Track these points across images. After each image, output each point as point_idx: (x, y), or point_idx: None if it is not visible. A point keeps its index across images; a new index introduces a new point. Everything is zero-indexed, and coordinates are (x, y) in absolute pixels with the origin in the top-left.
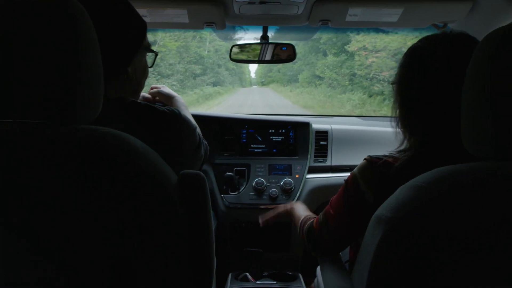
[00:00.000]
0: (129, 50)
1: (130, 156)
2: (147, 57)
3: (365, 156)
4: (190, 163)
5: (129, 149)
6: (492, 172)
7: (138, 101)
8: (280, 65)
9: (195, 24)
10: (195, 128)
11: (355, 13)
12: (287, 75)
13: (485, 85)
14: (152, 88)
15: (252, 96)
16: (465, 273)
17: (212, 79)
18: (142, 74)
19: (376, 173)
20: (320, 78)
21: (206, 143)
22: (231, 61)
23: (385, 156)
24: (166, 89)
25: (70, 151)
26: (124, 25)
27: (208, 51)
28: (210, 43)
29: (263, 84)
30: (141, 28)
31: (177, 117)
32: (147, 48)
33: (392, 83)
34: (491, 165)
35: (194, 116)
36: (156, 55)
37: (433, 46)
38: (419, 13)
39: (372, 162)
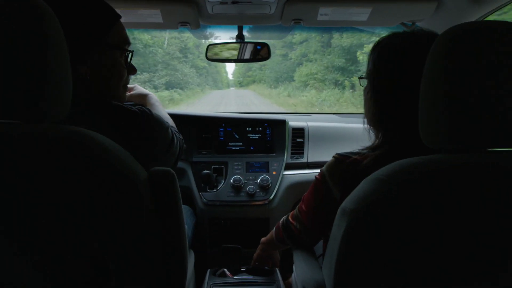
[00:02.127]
0: (80, 48)
1: (98, 154)
2: (118, 55)
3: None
4: (164, 160)
5: (97, 147)
6: (445, 164)
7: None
8: (262, 63)
9: (169, 24)
10: (167, 127)
11: (325, 13)
12: (275, 73)
13: (440, 79)
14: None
15: (226, 104)
16: (424, 261)
17: (165, 79)
18: (108, 74)
19: (343, 171)
20: (345, 72)
21: (181, 137)
22: (200, 59)
23: (353, 153)
24: (138, 89)
25: (38, 150)
26: (74, 20)
27: (153, 38)
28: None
29: (241, 85)
30: (101, 24)
31: (148, 116)
32: (115, 46)
33: (361, 78)
34: (445, 157)
35: (171, 115)
36: (131, 53)
37: (403, 43)
38: (387, 12)
39: (339, 160)
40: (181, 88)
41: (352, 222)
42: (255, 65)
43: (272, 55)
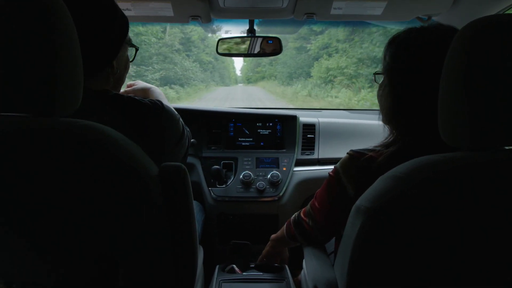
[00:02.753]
0: (115, 45)
1: (109, 149)
2: (128, 51)
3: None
4: (175, 152)
5: (108, 142)
6: (465, 161)
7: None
8: (272, 58)
9: (180, 17)
10: (178, 119)
11: (339, 6)
12: (288, 69)
13: (460, 76)
14: (128, 86)
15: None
16: (442, 260)
17: (159, 74)
18: (124, 68)
19: (358, 168)
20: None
21: (188, 129)
22: (206, 53)
23: (368, 150)
24: (141, 83)
25: (49, 144)
26: (109, 20)
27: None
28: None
29: (249, 81)
30: (125, 23)
31: (160, 108)
32: (129, 42)
33: (376, 73)
34: (465, 155)
35: (182, 110)
36: (137, 49)
37: (421, 38)
38: (402, 6)
39: (354, 157)
40: (181, 85)
41: (367, 220)
42: (265, 60)
43: (285, 48)
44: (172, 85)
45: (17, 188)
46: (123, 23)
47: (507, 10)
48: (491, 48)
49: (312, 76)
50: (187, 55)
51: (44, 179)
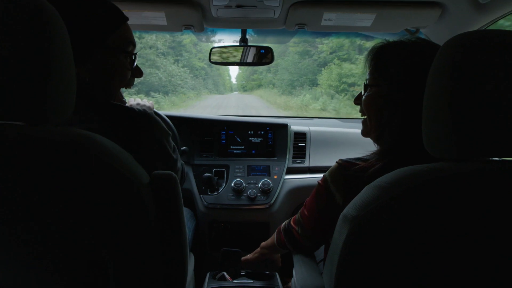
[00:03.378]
0: (80, 49)
1: (100, 157)
2: (122, 57)
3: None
4: (165, 164)
5: (100, 150)
6: (448, 172)
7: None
8: (270, 65)
9: (174, 26)
10: (167, 131)
11: (330, 18)
12: (289, 75)
13: (444, 88)
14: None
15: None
16: (426, 268)
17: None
18: (109, 76)
19: (346, 177)
20: None
21: (183, 162)
22: (198, 58)
23: (357, 159)
24: (132, 101)
25: (41, 152)
26: (76, 21)
27: None
28: None
29: (245, 89)
30: (102, 26)
31: (148, 116)
32: (116, 48)
33: (368, 86)
34: (448, 165)
35: (173, 117)
36: (134, 56)
37: (413, 52)
38: (391, 19)
39: (342, 166)
40: (166, 93)
41: (353, 229)
42: (262, 67)
43: (287, 53)
44: (152, 93)
45: (9, 194)
46: (97, 26)
47: (491, 24)
48: (473, 61)
49: (319, 84)
50: (177, 60)
51: (35, 187)
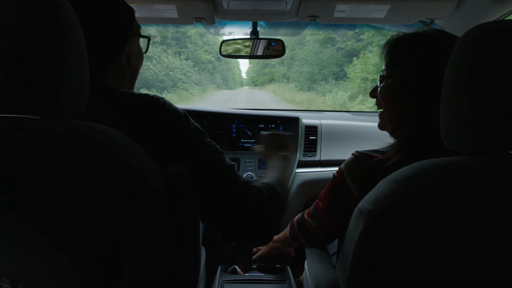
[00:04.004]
0: (119, 39)
1: (113, 151)
2: (140, 42)
3: (353, 151)
4: (187, 152)
5: (112, 144)
6: (467, 165)
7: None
8: (284, 56)
9: (185, 19)
10: (186, 116)
11: (342, 9)
12: (309, 68)
13: (463, 80)
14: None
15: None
16: (443, 263)
17: None
18: (137, 61)
19: (363, 169)
20: None
21: (261, 186)
22: (205, 51)
23: (373, 151)
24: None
25: (54, 146)
26: (111, 14)
27: None
28: None
29: (255, 84)
30: (129, 14)
31: (165, 103)
32: (138, 34)
33: (384, 77)
34: (468, 159)
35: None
36: (149, 40)
37: (428, 43)
38: (405, 10)
39: (359, 158)
40: (161, 89)
41: (369, 223)
42: (274, 60)
43: (305, 42)
44: (142, 90)
45: (21, 188)
46: (126, 15)
47: (509, 15)
48: (493, 53)
49: (349, 77)
50: (178, 52)
51: (48, 181)
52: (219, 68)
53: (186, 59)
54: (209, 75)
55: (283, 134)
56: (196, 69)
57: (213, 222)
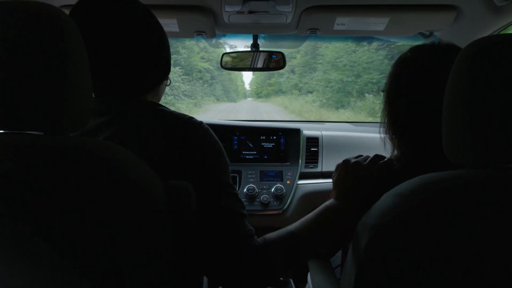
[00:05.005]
0: (169, 58)
1: (116, 167)
2: None
3: None
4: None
5: (116, 160)
6: (470, 179)
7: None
8: (292, 66)
9: (186, 33)
10: (222, 151)
11: (342, 22)
12: (340, 74)
13: (463, 94)
14: None
15: None
16: (448, 278)
17: None
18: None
19: None
20: None
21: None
22: (201, 58)
23: None
24: None
25: (56, 162)
26: (158, 37)
27: None
28: None
29: (259, 96)
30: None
31: (199, 126)
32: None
33: (382, 91)
34: (470, 172)
35: None
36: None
37: (422, 57)
38: (405, 22)
39: None
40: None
41: (373, 237)
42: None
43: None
44: None
45: (25, 202)
46: (161, 35)
47: (507, 27)
48: (494, 66)
49: None
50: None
51: (51, 196)
52: (219, 79)
53: (174, 65)
54: (207, 86)
55: (367, 167)
56: (188, 78)
57: (201, 263)
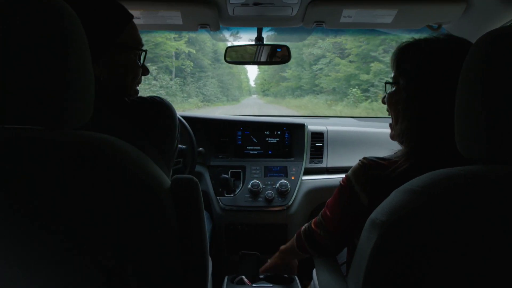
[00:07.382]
0: (93, 49)
1: (120, 162)
2: (132, 55)
3: (360, 158)
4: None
5: (119, 154)
6: (484, 175)
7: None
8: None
9: (189, 25)
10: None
11: (349, 15)
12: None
13: (477, 87)
14: None
15: None
16: (458, 277)
17: None
18: (122, 74)
19: (371, 176)
20: None
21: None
22: (174, 42)
23: (380, 158)
24: None
25: (58, 156)
26: (87, 21)
27: None
28: None
29: (265, 94)
30: (113, 25)
31: (161, 102)
32: (125, 46)
33: (386, 83)
34: (484, 168)
35: (188, 118)
36: (145, 52)
37: (431, 49)
38: (413, 15)
39: (366, 165)
40: None
41: (383, 234)
42: (286, 66)
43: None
44: None
45: (26, 199)
46: (109, 26)
47: None
48: (508, 58)
49: None
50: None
51: (53, 192)
52: (216, 72)
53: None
54: (192, 81)
55: None
56: (155, 68)
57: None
